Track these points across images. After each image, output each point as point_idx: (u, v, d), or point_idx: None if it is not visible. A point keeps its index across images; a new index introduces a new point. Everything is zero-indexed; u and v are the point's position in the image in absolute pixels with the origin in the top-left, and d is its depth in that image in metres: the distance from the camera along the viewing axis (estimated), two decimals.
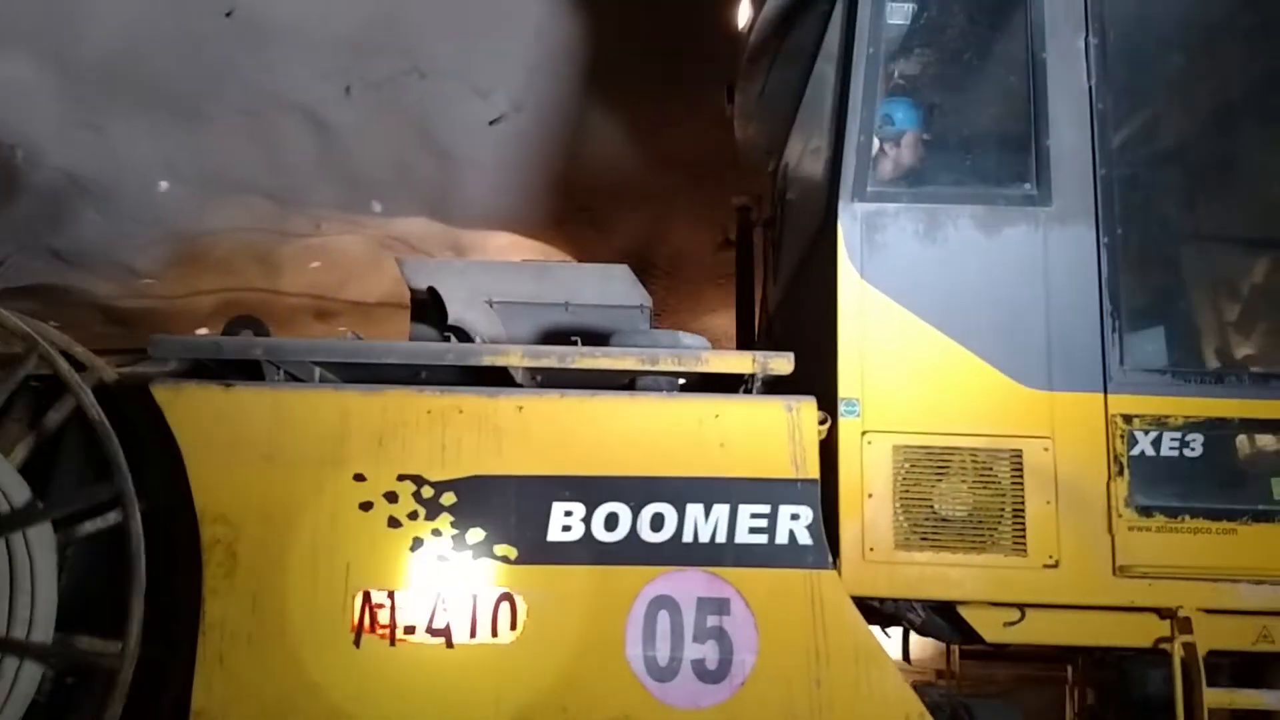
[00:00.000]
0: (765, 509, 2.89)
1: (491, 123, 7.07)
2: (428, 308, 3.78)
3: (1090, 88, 3.25)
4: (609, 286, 3.93)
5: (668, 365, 3.08)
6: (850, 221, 3.19)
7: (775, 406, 3.00)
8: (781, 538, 2.87)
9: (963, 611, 3.09)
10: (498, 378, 3.13)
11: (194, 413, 2.95)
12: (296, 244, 8.32)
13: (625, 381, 3.18)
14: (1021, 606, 3.07)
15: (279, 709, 2.76)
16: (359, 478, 2.91)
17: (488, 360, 3.09)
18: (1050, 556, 3.00)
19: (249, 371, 3.11)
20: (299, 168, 7.44)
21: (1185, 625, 2.97)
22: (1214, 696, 2.92)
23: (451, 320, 3.63)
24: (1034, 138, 3.25)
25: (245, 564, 2.83)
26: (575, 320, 3.79)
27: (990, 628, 3.08)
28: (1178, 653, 2.94)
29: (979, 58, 3.42)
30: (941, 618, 3.16)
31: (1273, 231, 3.38)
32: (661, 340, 3.37)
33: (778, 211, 4.69)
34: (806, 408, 2.99)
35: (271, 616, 2.81)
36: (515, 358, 3.09)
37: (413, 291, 3.86)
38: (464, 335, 3.63)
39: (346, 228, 8.16)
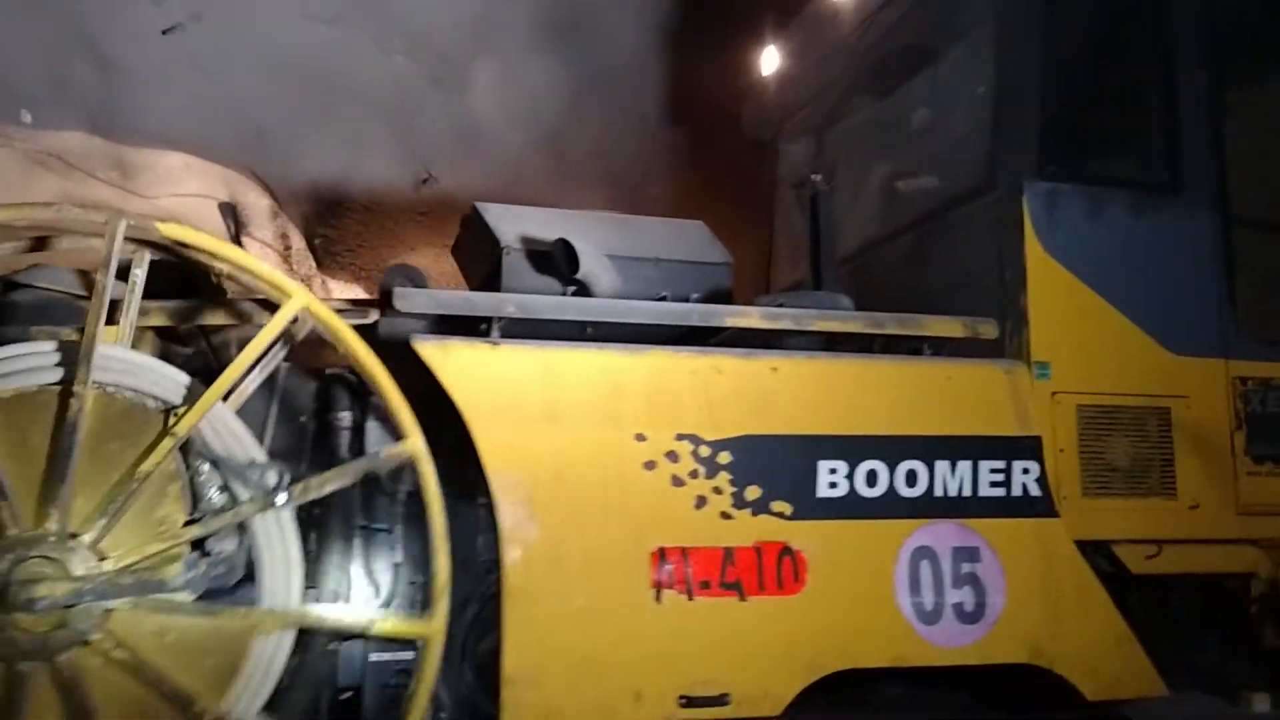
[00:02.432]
0: (1001, 464, 3.18)
1: (165, 32, 6.63)
2: (548, 258, 3.67)
3: (1211, 104, 3.73)
4: (690, 242, 3.98)
5: (893, 329, 3.29)
6: (1034, 199, 3.49)
7: (994, 370, 3.29)
8: (1016, 490, 3.18)
9: (1116, 549, 3.53)
10: (661, 336, 3.20)
11: (466, 371, 2.85)
12: None
13: (761, 341, 3.31)
14: (1159, 543, 3.54)
15: (588, 666, 2.78)
16: (640, 437, 2.93)
17: (730, 321, 3.18)
18: (1194, 499, 3.49)
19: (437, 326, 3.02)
20: None
21: None
22: None
23: (581, 274, 3.57)
24: (1169, 137, 3.68)
25: (542, 524, 2.80)
26: (663, 276, 3.81)
27: (1135, 562, 3.54)
28: None
29: (1127, 70, 3.79)
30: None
31: None
32: (824, 301, 3.55)
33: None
34: (1021, 371, 3.30)
35: (574, 577, 2.80)
36: (754, 320, 3.19)
37: (487, 235, 3.68)
38: (585, 289, 3.58)
39: None
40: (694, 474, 2.95)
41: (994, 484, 3.17)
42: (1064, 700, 3.19)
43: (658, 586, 2.86)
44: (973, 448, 3.17)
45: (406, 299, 2.92)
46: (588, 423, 2.92)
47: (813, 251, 4.17)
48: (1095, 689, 3.13)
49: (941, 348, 3.37)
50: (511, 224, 3.66)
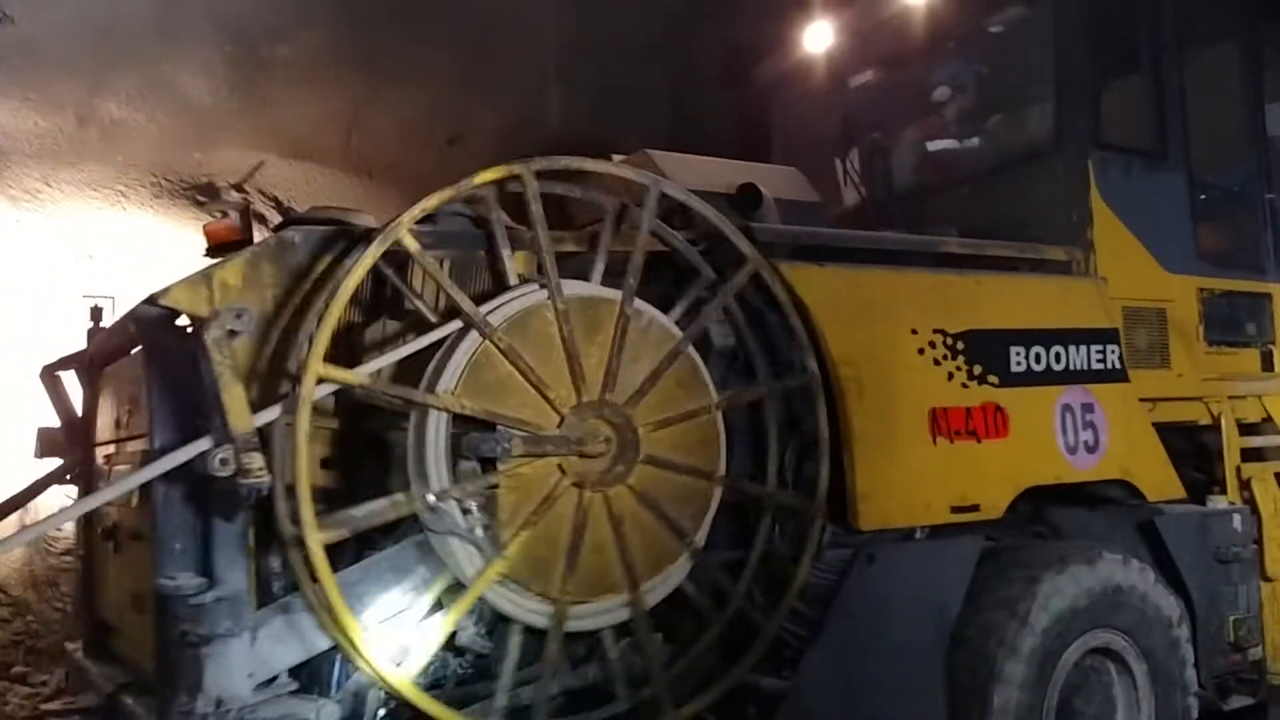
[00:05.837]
0: (1100, 347, 4.66)
1: None
2: (725, 197, 4.67)
3: (1180, 86, 5.36)
4: (792, 185, 5.15)
5: (1028, 253, 4.69)
6: (1095, 162, 4.98)
7: (1090, 282, 4.78)
8: (1108, 364, 4.68)
9: None
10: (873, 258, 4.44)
11: (812, 286, 3.95)
12: None
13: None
14: (1155, 400, 5.19)
15: (900, 487, 4.00)
16: (914, 331, 4.16)
17: (942, 249, 4.45)
18: (1180, 371, 5.19)
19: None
20: None
21: (1227, 406, 5.36)
22: (1242, 441, 5.36)
23: (759, 212, 4.62)
24: (1159, 120, 5.29)
25: (868, 393, 3.96)
26: (780, 213, 4.91)
27: None
28: (1228, 419, 5.32)
29: (1137, 58, 5.32)
30: None
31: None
32: (950, 233, 4.89)
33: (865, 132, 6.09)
34: (1102, 283, 4.81)
35: (888, 428, 4.00)
36: (954, 246, 4.48)
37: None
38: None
39: None
40: (945, 357, 4.22)
41: (1097, 360, 4.65)
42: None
43: (933, 434, 4.13)
44: (1085, 336, 4.63)
45: (763, 232, 3.96)
46: (883, 322, 4.10)
47: (884, 195, 5.49)
48: (1153, 493, 4.74)
49: (1039, 266, 4.81)
50: (673, 168, 4.63)
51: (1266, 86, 5.81)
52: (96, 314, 4.37)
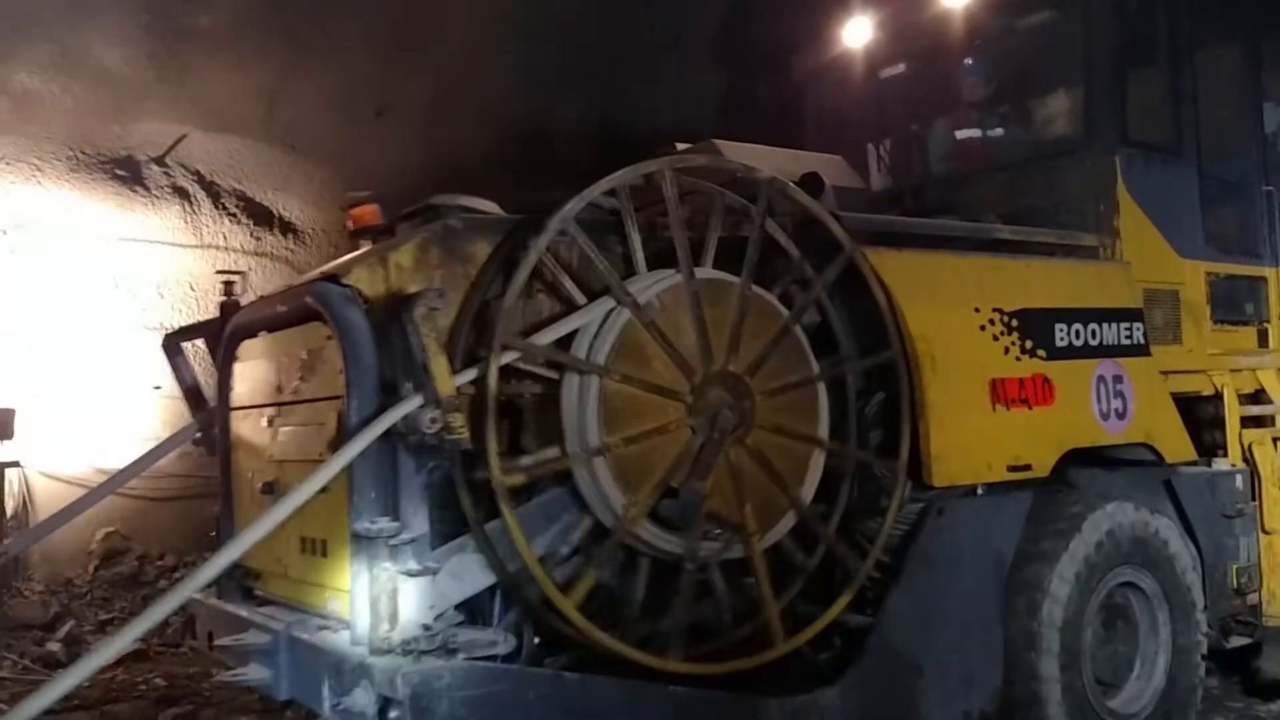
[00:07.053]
0: (1129, 324, 5.22)
1: None
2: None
3: (1195, 100, 5.92)
4: (838, 171, 5.67)
5: (1067, 240, 5.23)
6: (1122, 158, 5.52)
7: (1120, 267, 5.33)
8: (1134, 340, 5.23)
9: None
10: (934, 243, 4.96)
11: (891, 268, 4.45)
12: None
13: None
14: (1168, 373, 5.77)
15: (965, 449, 4.52)
16: (976, 309, 4.68)
17: (996, 235, 4.97)
18: (1190, 347, 5.78)
19: None
20: None
21: (1229, 378, 5.96)
22: (1242, 410, 5.96)
23: (823, 199, 5.12)
24: (1175, 118, 5.84)
25: (939, 365, 4.47)
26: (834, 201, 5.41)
27: None
28: (1230, 390, 5.92)
29: (1156, 61, 5.86)
30: None
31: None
32: (988, 219, 5.42)
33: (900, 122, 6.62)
34: (1129, 267, 5.36)
35: (956, 396, 4.51)
36: (1006, 233, 5.01)
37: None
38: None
39: None
40: (1003, 333, 4.74)
41: (1125, 336, 5.21)
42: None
43: (993, 401, 4.65)
44: (1115, 314, 5.18)
45: (853, 221, 4.44)
46: (949, 303, 4.61)
47: (921, 182, 6.01)
48: (1170, 456, 5.32)
49: (1072, 251, 5.35)
50: (736, 156, 5.10)
51: (1265, 86, 6.37)
52: (229, 288, 4.74)
